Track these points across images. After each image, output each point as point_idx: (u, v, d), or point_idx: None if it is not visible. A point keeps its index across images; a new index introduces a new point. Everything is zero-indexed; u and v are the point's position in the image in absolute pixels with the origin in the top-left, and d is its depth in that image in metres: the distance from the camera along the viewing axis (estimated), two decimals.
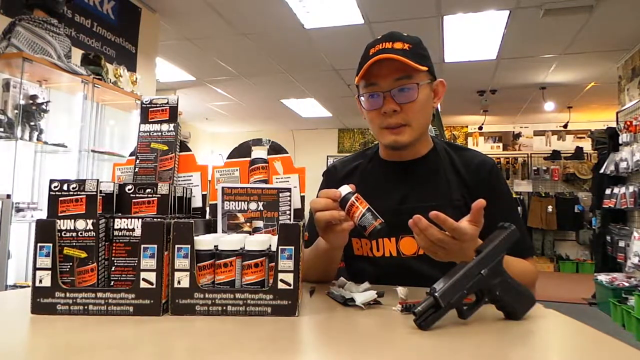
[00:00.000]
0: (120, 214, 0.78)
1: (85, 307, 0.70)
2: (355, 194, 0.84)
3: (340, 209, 0.84)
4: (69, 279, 0.72)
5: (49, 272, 0.70)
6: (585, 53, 4.73)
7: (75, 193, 0.73)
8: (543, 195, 7.87)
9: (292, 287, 0.72)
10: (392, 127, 1.02)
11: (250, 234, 0.83)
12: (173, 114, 0.91)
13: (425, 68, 1.00)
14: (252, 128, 8.93)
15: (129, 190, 0.79)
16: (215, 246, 0.74)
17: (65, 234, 0.72)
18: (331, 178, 1.19)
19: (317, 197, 0.89)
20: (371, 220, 0.81)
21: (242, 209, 0.85)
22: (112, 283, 0.75)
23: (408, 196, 1.08)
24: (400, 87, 0.99)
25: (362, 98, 1.04)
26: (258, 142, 0.95)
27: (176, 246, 0.72)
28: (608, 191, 4.72)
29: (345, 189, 0.85)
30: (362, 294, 0.81)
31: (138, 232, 0.75)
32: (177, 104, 0.92)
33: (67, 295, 0.70)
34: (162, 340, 0.62)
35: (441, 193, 1.06)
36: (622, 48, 4.62)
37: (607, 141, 4.87)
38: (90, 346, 0.58)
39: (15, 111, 2.39)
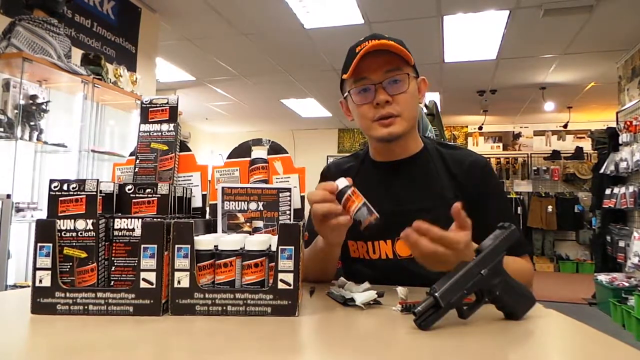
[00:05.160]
0: (120, 214, 0.78)
1: (85, 307, 0.70)
2: (352, 188, 0.84)
3: (337, 202, 0.84)
4: (69, 279, 0.72)
5: (49, 272, 0.70)
6: (585, 53, 4.73)
7: (75, 193, 0.73)
8: (543, 195, 7.87)
9: (292, 287, 0.72)
10: (384, 117, 1.02)
11: (250, 234, 0.83)
12: (173, 114, 0.91)
13: (412, 62, 1.02)
14: (252, 128, 8.93)
15: (129, 190, 0.79)
16: (215, 246, 0.74)
17: (65, 234, 0.72)
18: (325, 180, 1.19)
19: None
20: (366, 215, 0.81)
21: (242, 209, 0.85)
22: (112, 283, 0.75)
23: (402, 198, 1.07)
24: (392, 79, 1.01)
25: (352, 94, 1.04)
26: (258, 142, 0.95)
27: (176, 246, 0.72)
28: (608, 191, 4.72)
29: (342, 182, 0.84)
30: (362, 294, 0.80)
31: (138, 232, 0.75)
32: (177, 104, 0.92)
33: (67, 295, 0.70)
34: (162, 340, 0.62)
35: (435, 193, 1.05)
36: (622, 48, 4.61)
37: (607, 141, 4.87)
38: (90, 346, 0.58)
39: (15, 111, 2.38)
